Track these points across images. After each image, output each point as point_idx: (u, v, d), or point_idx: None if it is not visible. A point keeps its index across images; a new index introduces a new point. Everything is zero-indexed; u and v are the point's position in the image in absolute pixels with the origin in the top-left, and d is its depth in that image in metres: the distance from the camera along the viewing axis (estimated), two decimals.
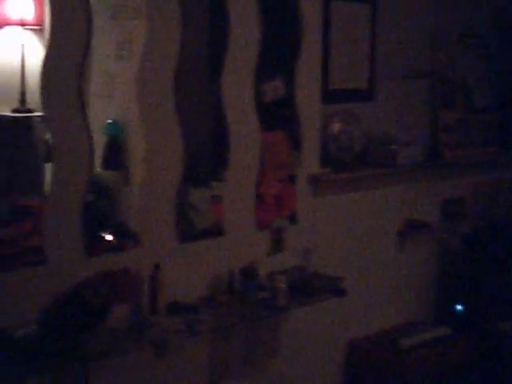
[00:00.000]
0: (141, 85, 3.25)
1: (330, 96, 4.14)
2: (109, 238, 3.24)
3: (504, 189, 5.04)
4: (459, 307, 4.68)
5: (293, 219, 3.94)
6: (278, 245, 3.85)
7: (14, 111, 3.25)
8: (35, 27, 3.38)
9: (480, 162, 4.91)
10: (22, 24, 3.33)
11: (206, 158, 3.78)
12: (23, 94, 3.26)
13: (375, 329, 4.41)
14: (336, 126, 4.17)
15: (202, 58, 3.77)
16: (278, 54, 3.89)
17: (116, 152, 3.41)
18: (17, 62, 3.27)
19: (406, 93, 4.57)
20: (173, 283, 3.37)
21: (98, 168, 3.35)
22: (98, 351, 2.97)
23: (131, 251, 3.27)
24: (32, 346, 2.77)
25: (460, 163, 4.76)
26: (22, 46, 3.29)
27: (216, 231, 3.62)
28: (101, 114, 3.39)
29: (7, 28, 3.33)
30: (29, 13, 3.36)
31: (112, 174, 3.39)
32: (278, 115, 3.92)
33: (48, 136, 3.07)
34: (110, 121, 3.42)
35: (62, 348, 2.83)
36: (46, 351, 2.79)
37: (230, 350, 3.67)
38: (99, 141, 3.32)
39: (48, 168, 3.15)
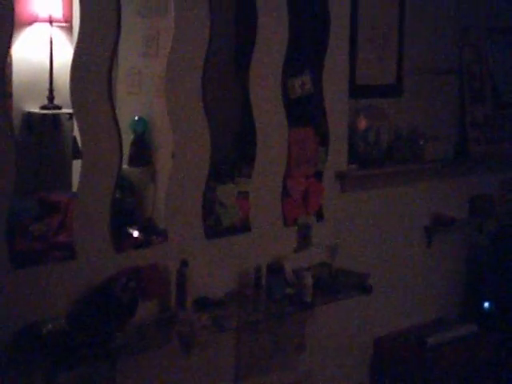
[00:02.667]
0: (168, 81, 3.26)
1: (357, 91, 4.12)
2: (136, 234, 3.25)
3: None
4: (487, 304, 4.65)
5: (319, 215, 3.93)
6: (304, 241, 3.85)
7: (43, 108, 3.27)
8: (63, 24, 3.39)
9: (508, 158, 4.87)
10: (51, 21, 3.34)
11: (233, 153, 3.78)
12: (51, 91, 3.28)
13: (401, 326, 4.40)
14: (363, 122, 4.15)
15: (230, 53, 3.78)
16: (306, 49, 3.89)
17: (142, 149, 3.42)
18: (45, 59, 3.29)
19: (434, 88, 4.54)
20: (200, 279, 3.38)
21: (124, 165, 3.36)
22: (125, 346, 2.99)
23: (158, 247, 3.28)
24: (60, 341, 2.79)
25: (488, 159, 4.72)
26: (51, 43, 3.31)
27: (243, 227, 3.62)
28: (128, 111, 3.40)
29: (36, 25, 3.35)
30: (57, 10, 3.37)
31: (139, 170, 3.40)
32: (305, 111, 3.91)
33: (76, 132, 3.09)
34: (136, 118, 3.43)
35: (90, 343, 2.86)
36: (75, 346, 2.81)
37: (256, 345, 3.67)
38: (126, 138, 3.32)
39: (76, 165, 3.17)
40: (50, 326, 2.82)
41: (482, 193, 4.78)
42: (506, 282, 4.60)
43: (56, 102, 3.32)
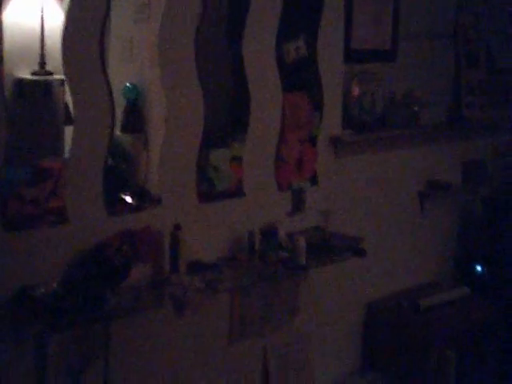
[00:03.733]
0: (160, 48, 3.25)
1: (352, 56, 4.11)
2: (129, 200, 3.28)
3: None
4: (479, 268, 4.69)
5: (313, 180, 3.95)
6: (298, 205, 3.87)
7: (34, 74, 3.27)
8: None
9: (502, 123, 4.87)
10: None
11: (227, 118, 3.80)
12: (43, 56, 3.27)
13: (395, 289, 4.44)
14: (357, 87, 4.15)
15: (223, 18, 3.76)
16: (300, 14, 3.87)
17: (135, 115, 3.44)
18: (36, 25, 3.28)
19: (429, 53, 4.52)
20: (193, 243, 3.41)
21: (117, 132, 3.38)
22: (118, 309, 3.02)
23: (151, 211, 3.30)
24: (53, 304, 2.83)
25: (482, 124, 4.73)
26: (42, 8, 3.30)
27: (236, 192, 3.64)
28: (120, 78, 3.40)
29: None
30: None
31: (131, 137, 3.41)
32: (299, 76, 3.90)
33: (67, 98, 3.10)
34: (128, 84, 3.43)
35: (83, 306, 2.89)
36: (67, 309, 2.84)
37: (249, 308, 3.71)
38: (118, 104, 3.33)
39: (68, 130, 3.19)
40: (42, 289, 2.86)
41: (475, 158, 4.79)
42: (498, 246, 4.64)
43: (48, 67, 3.32)
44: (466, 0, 4.68)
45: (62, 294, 2.90)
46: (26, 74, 3.26)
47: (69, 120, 3.10)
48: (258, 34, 3.60)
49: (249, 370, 3.80)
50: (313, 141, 3.95)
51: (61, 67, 2.99)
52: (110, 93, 3.10)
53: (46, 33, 3.26)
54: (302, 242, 3.62)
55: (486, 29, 4.81)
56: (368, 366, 4.33)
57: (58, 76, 3.21)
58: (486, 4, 4.81)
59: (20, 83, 3.20)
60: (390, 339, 4.25)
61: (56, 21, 3.20)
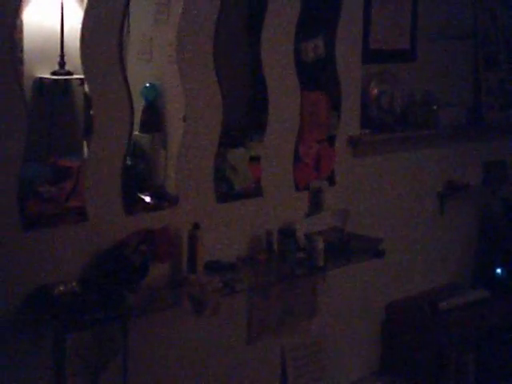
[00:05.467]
0: (179, 47, 3.26)
1: (371, 56, 4.11)
2: (147, 199, 3.28)
3: None
4: (499, 270, 4.66)
5: (331, 180, 3.94)
6: (316, 205, 3.86)
7: (54, 74, 3.28)
8: None
9: None
10: None
11: (245, 118, 3.79)
12: (62, 56, 3.28)
13: (414, 291, 4.42)
14: (377, 87, 4.14)
15: (242, 17, 3.76)
16: (319, 13, 3.86)
17: (154, 115, 3.44)
18: (56, 25, 3.29)
19: (448, 53, 4.51)
20: (212, 242, 3.41)
21: (136, 131, 3.38)
22: (136, 308, 3.03)
23: (170, 211, 3.30)
24: (72, 302, 2.83)
25: (502, 125, 4.69)
26: (62, 7, 3.31)
27: (254, 191, 3.64)
28: (139, 78, 3.41)
29: None
30: None
31: (150, 137, 3.41)
32: (318, 75, 3.90)
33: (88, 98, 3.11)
34: (147, 84, 3.44)
35: (102, 304, 2.89)
36: (86, 308, 2.85)
37: (267, 309, 3.70)
38: (137, 104, 3.34)
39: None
40: (61, 287, 2.86)
41: (495, 159, 4.76)
42: None
43: (67, 67, 3.33)
44: (484, 0, 4.65)
45: (81, 292, 2.91)
46: (46, 74, 3.27)
47: (89, 119, 3.10)
48: (277, 33, 3.59)
49: (267, 370, 3.79)
50: (331, 140, 3.94)
51: (80, 67, 3.00)
52: (129, 92, 3.11)
53: (66, 32, 3.27)
54: (320, 243, 3.60)
55: (506, 29, 4.77)
56: (386, 369, 4.31)
57: (78, 76, 3.22)
58: (505, 3, 4.77)
59: (40, 83, 3.21)
60: (408, 341, 4.23)
61: (76, 20, 3.20)
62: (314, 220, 3.84)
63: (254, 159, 3.66)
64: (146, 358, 3.28)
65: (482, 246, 4.78)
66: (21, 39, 3.11)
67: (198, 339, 3.48)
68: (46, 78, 3.26)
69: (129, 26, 3.38)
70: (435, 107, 4.29)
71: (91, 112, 3.07)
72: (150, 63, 3.49)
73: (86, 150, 3.14)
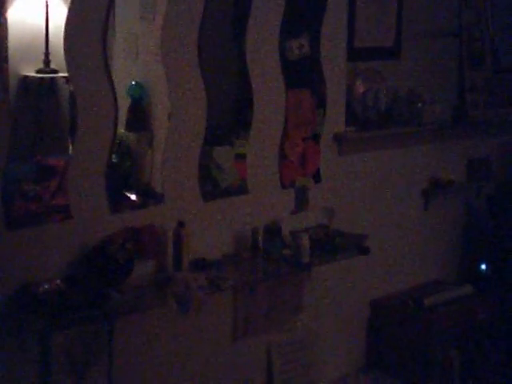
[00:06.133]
0: (164, 45, 3.27)
1: (355, 54, 4.12)
2: (133, 197, 3.28)
3: None
4: (483, 266, 4.69)
5: (317, 178, 3.95)
6: (301, 203, 3.88)
7: (39, 72, 3.28)
8: None
9: (506, 122, 4.86)
10: None
11: (230, 116, 3.79)
12: (47, 54, 3.28)
13: (399, 287, 4.44)
14: (361, 85, 4.16)
15: (226, 15, 3.76)
16: (304, 11, 3.87)
17: (140, 113, 3.44)
18: (41, 23, 3.28)
19: (433, 51, 4.53)
20: (197, 240, 3.42)
21: (122, 130, 3.38)
22: (122, 306, 3.03)
23: (155, 209, 3.32)
24: (56, 301, 2.84)
25: (486, 123, 4.72)
26: (46, 5, 3.30)
27: (240, 189, 3.65)
28: (125, 76, 3.41)
29: None
30: None
31: (136, 135, 3.41)
32: (303, 73, 3.90)
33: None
34: (133, 82, 3.44)
35: (87, 303, 2.90)
36: (70, 306, 2.85)
37: (253, 306, 3.72)
38: (123, 103, 3.34)
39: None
40: (45, 286, 2.87)
41: (479, 156, 4.79)
42: (502, 244, 4.63)
43: (52, 65, 3.32)
44: None
45: (66, 291, 2.91)
46: (30, 72, 3.26)
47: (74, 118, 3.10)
48: (262, 31, 3.61)
49: (253, 368, 3.81)
50: (316, 138, 3.95)
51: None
52: (114, 90, 3.12)
53: (51, 30, 3.25)
54: (305, 240, 3.62)
55: (491, 27, 4.80)
56: (372, 364, 4.33)
57: (63, 74, 3.22)
58: (490, 2, 4.80)
59: (25, 81, 3.20)
60: (394, 337, 4.25)
61: (61, 18, 3.19)
62: (300, 217, 3.86)
63: (240, 157, 3.66)
64: (131, 356, 3.29)
65: (467, 243, 4.81)
66: (5, 37, 3.09)
67: (183, 337, 3.49)
68: (31, 77, 3.25)
69: (114, 24, 3.37)
70: (420, 104, 4.31)
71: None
72: (136, 61, 3.49)
73: (71, 148, 3.14)
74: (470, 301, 4.41)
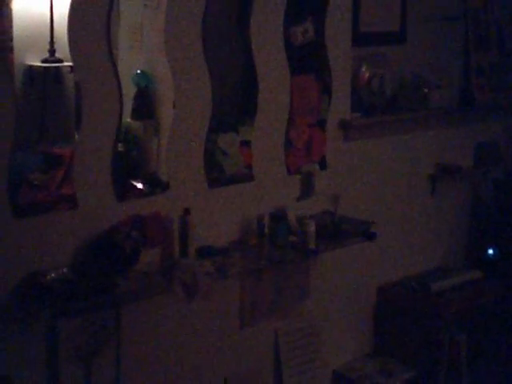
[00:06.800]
0: (168, 33, 3.27)
1: (360, 39, 4.10)
2: (139, 185, 3.29)
3: None
4: (491, 251, 4.69)
5: (323, 164, 3.95)
6: (307, 189, 3.88)
7: (44, 61, 3.28)
8: None
9: None
10: None
11: (235, 103, 3.79)
12: (52, 43, 3.28)
13: (406, 273, 4.44)
14: (367, 70, 4.14)
15: (231, 2, 3.75)
16: None
17: (145, 102, 3.44)
18: (46, 12, 3.29)
19: (439, 35, 4.50)
20: (203, 228, 3.43)
21: (128, 118, 3.39)
22: (129, 294, 3.06)
23: (161, 197, 3.33)
24: (64, 289, 2.85)
25: (493, 107, 4.70)
26: None
27: (245, 176, 3.65)
28: (130, 65, 3.41)
29: None
30: None
31: (142, 124, 3.42)
32: (307, 59, 3.90)
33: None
34: (138, 71, 3.44)
35: (93, 291, 2.92)
36: (78, 294, 2.87)
37: (259, 293, 3.73)
38: (129, 91, 3.35)
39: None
40: (53, 274, 2.89)
41: (487, 140, 4.77)
42: (509, 228, 4.62)
43: (58, 54, 3.33)
44: None
45: (73, 279, 2.92)
46: (36, 62, 3.27)
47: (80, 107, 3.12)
48: (266, 17, 3.60)
49: (260, 354, 3.82)
50: (322, 124, 3.95)
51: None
52: (118, 79, 3.12)
53: (56, 19, 3.25)
54: (311, 226, 3.63)
55: (497, 11, 4.77)
56: (379, 350, 4.34)
57: (68, 63, 3.22)
58: None
59: (30, 71, 3.21)
60: (401, 323, 4.26)
61: (65, 7, 3.20)
62: (306, 204, 3.85)
63: (245, 144, 3.67)
64: (138, 343, 3.31)
65: (474, 228, 4.80)
66: (10, 27, 3.10)
67: (190, 324, 3.50)
68: (36, 66, 3.26)
69: (118, 13, 3.37)
70: (426, 90, 4.29)
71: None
72: (140, 50, 3.49)
73: (77, 137, 3.15)
74: (478, 286, 4.41)
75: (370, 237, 3.87)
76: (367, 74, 4.13)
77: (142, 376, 3.35)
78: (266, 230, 3.63)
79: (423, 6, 4.39)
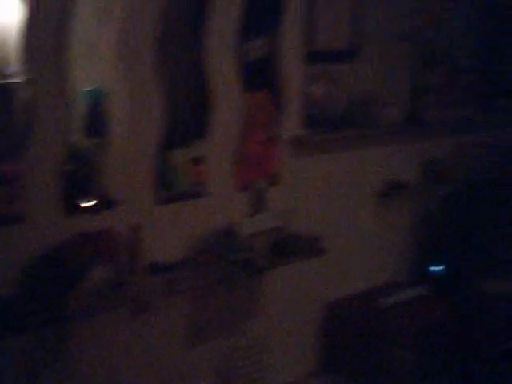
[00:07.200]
0: (121, 49, 3.25)
1: (313, 56, 4.13)
2: (88, 203, 3.26)
3: (484, 150, 5.07)
4: (438, 268, 4.75)
5: (274, 180, 3.97)
6: (258, 206, 3.89)
7: None
8: None
9: (461, 123, 4.92)
10: None
11: (187, 119, 3.78)
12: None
13: (354, 289, 4.48)
14: (319, 87, 4.18)
15: (184, 17, 3.74)
16: (262, 13, 3.87)
17: (96, 119, 3.41)
18: None
19: (389, 54, 4.56)
20: (153, 244, 3.41)
21: (78, 135, 3.35)
22: (77, 311, 3.02)
23: (111, 213, 3.30)
24: (10, 306, 2.81)
25: (441, 124, 4.77)
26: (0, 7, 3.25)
27: (196, 192, 3.64)
28: (81, 81, 3.37)
29: None
30: None
31: (92, 140, 3.38)
32: (260, 75, 3.91)
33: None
34: (90, 88, 3.40)
35: (41, 309, 2.88)
36: (24, 311, 2.83)
37: (209, 310, 3.73)
38: (80, 108, 3.31)
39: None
40: None
41: (434, 158, 4.85)
42: (457, 246, 4.69)
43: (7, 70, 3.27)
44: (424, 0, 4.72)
45: (20, 297, 2.88)
46: None
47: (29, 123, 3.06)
48: (219, 33, 3.60)
49: (206, 372, 3.81)
50: (274, 140, 3.96)
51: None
52: (69, 96, 3.08)
53: (6, 33, 3.22)
54: (261, 243, 3.64)
55: (446, 29, 4.86)
56: (326, 368, 4.36)
57: (17, 79, 3.18)
58: (446, 3, 4.85)
59: None
60: (348, 340, 4.28)
61: (17, 20, 3.16)
62: (256, 220, 3.86)
63: (196, 160, 3.66)
64: (86, 360, 3.28)
65: (422, 244, 4.87)
66: None
67: (138, 341, 3.48)
68: None
69: (72, 26, 3.33)
70: (376, 107, 4.35)
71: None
72: (92, 66, 3.45)
73: (25, 154, 3.10)
74: (425, 302, 4.46)
75: (319, 252, 3.90)
76: (319, 91, 4.17)
77: None
78: (216, 247, 3.62)
79: (374, 25, 4.45)
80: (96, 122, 3.39)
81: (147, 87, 3.35)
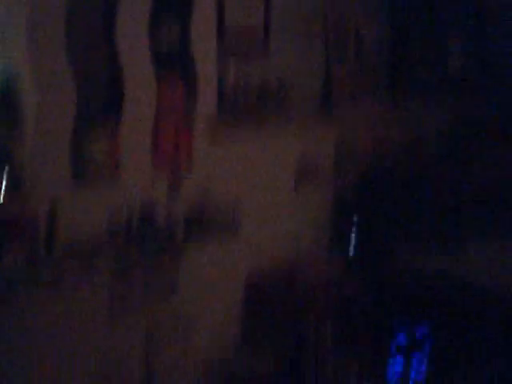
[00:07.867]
0: (30, 33, 3.28)
1: (226, 43, 4.21)
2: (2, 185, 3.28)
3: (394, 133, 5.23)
4: (351, 249, 4.89)
5: (189, 165, 4.05)
6: (174, 188, 3.97)
7: None
8: None
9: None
10: None
11: (101, 104, 3.82)
12: None
13: (273, 266, 4.51)
14: (232, 73, 4.28)
15: (95, 1, 3.78)
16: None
17: (6, 107, 3.42)
18: None
19: (301, 42, 4.67)
20: (69, 224, 3.45)
21: None
22: None
23: (25, 194, 3.32)
24: None
25: (352, 112, 4.92)
26: None
27: (112, 175, 3.69)
28: None
29: None
30: None
31: (4, 129, 3.39)
32: (173, 61, 3.98)
33: None
34: None
35: None
36: None
37: (128, 288, 3.78)
38: None
39: None
40: None
41: (347, 142, 4.98)
42: (368, 229, 4.86)
43: None
44: None
45: None
46: None
47: None
48: (131, 18, 3.67)
49: (130, 349, 3.86)
50: (188, 125, 4.04)
51: None
52: None
53: None
54: (178, 222, 3.72)
55: (356, 17, 5.00)
56: (248, 343, 4.45)
57: None
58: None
59: None
60: (268, 314, 4.38)
61: None
62: (173, 199, 3.93)
63: (112, 144, 3.71)
64: (4, 343, 3.29)
65: (335, 226, 5.00)
66: None
67: (57, 321, 3.49)
68: None
69: None
70: (288, 94, 4.47)
71: None
72: (2, 51, 3.47)
73: None
74: (341, 277, 4.60)
75: (235, 230, 4.01)
76: (233, 77, 4.27)
77: (9, 373, 3.34)
78: (135, 225, 3.69)
79: (287, 12, 4.56)
80: (7, 108, 3.40)
81: (58, 72, 3.40)
